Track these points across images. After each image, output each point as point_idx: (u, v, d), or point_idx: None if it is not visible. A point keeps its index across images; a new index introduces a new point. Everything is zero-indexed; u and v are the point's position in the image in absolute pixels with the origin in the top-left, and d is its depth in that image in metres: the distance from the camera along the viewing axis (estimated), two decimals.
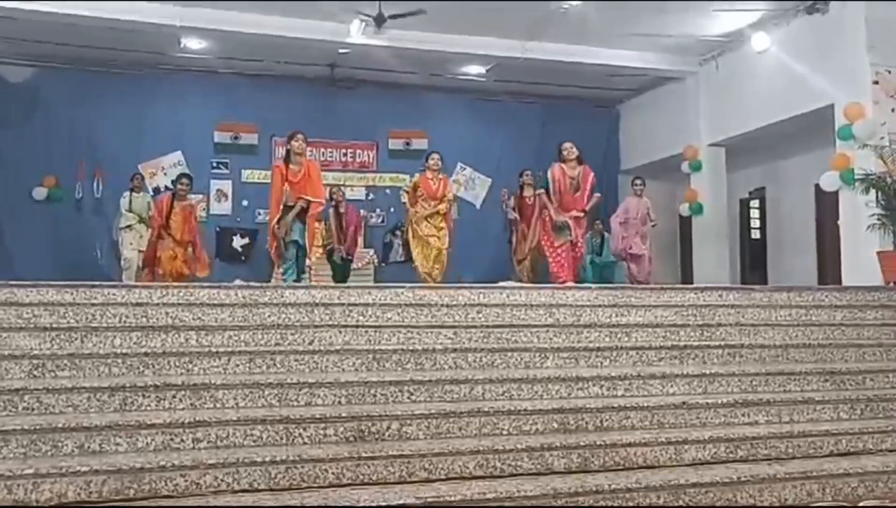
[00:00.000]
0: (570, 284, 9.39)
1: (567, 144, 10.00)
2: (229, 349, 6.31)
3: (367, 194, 14.97)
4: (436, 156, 10.44)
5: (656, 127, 14.86)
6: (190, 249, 10.59)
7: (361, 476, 5.20)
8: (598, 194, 10.30)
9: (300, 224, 9.07)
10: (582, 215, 9.93)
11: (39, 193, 13.24)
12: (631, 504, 5.26)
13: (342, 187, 12.96)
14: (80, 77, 13.60)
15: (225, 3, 11.39)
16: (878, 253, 9.61)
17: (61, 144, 13.39)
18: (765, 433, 6.09)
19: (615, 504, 5.23)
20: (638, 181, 12.49)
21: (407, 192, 10.83)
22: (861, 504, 5.55)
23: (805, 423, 6.41)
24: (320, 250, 13.24)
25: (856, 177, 9.87)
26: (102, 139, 13.62)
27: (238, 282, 9.12)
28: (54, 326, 6.28)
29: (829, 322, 7.93)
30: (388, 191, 15.02)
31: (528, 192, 12.65)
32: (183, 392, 5.69)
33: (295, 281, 8.97)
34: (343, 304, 7.08)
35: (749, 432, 6.10)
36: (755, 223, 14.85)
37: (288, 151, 9.14)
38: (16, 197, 13.15)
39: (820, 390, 6.83)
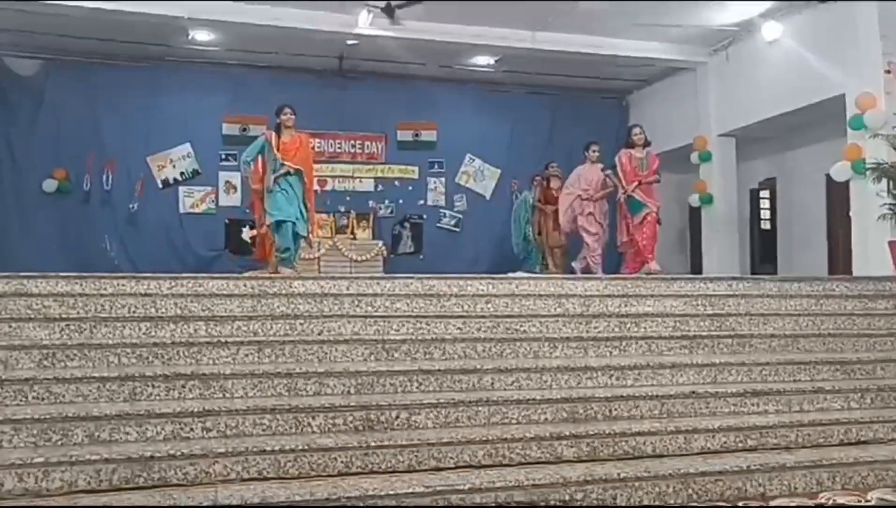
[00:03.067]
0: (655, 265, 10.02)
1: (636, 129, 10.63)
2: (238, 339, 6.32)
3: (376, 186, 14.95)
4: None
5: (666, 117, 14.78)
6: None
7: (370, 465, 5.21)
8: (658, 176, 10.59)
9: (295, 202, 9.17)
10: (649, 182, 10.36)
11: (49, 185, 13.26)
12: (640, 492, 5.26)
13: None
14: (88, 69, 13.60)
15: None
16: (890, 243, 9.56)
17: (70, 136, 13.42)
18: (774, 423, 6.08)
19: (624, 493, 5.22)
20: (595, 146, 11.48)
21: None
22: (871, 494, 5.54)
23: (815, 412, 6.39)
24: (329, 242, 13.30)
25: (867, 166, 9.81)
26: (111, 132, 13.63)
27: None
28: (64, 316, 6.31)
29: (839, 312, 7.91)
30: (396, 183, 15.02)
31: (554, 183, 12.54)
32: (192, 382, 5.70)
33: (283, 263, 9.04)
34: (352, 294, 7.09)
35: (759, 421, 6.09)
36: (765, 214, 14.76)
37: (278, 125, 9.28)
38: (26, 190, 13.20)
39: (830, 379, 6.81)
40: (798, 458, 5.71)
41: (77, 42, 12.89)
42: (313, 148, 10.90)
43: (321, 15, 12.00)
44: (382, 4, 11.23)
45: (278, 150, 9.14)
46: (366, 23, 12.06)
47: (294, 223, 9.14)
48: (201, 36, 12.93)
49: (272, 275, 8.32)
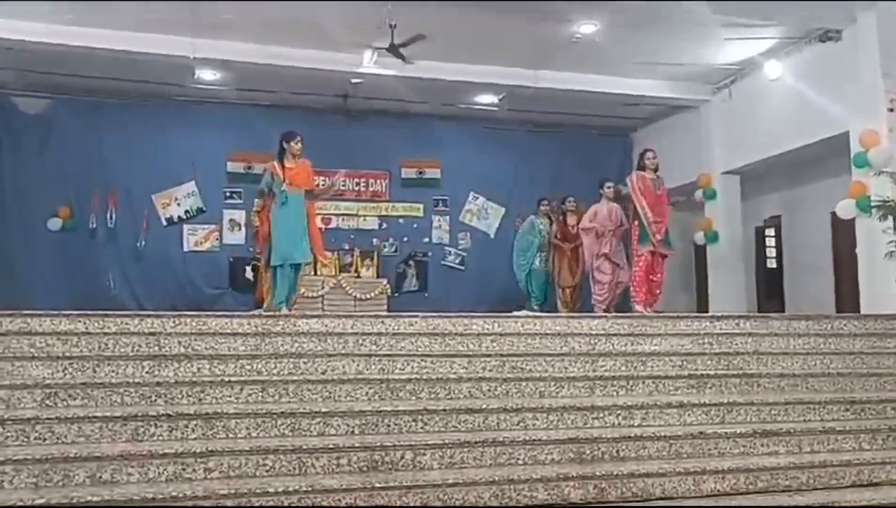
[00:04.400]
0: (646, 310, 9.57)
1: (649, 153, 10.28)
2: (242, 379, 6.26)
3: (380, 224, 14.98)
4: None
5: (670, 155, 14.64)
6: None
7: (375, 506, 5.13)
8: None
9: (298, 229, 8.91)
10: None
11: (54, 223, 13.30)
12: None
13: None
14: (94, 108, 13.72)
15: (238, 34, 11.48)
16: None
17: (75, 174, 13.51)
18: (785, 464, 6.00)
19: None
20: (609, 183, 11.15)
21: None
22: None
23: (826, 453, 6.31)
24: (333, 280, 13.27)
25: (872, 204, 9.78)
26: (116, 170, 13.73)
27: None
28: (67, 355, 6.26)
29: (848, 351, 7.81)
30: (400, 220, 15.06)
31: (571, 220, 12.23)
32: (195, 422, 5.64)
33: (279, 305, 8.82)
34: (356, 333, 7.04)
35: (769, 462, 6.00)
36: (771, 252, 14.74)
37: (283, 150, 8.98)
38: (30, 228, 13.24)
39: (840, 419, 6.74)
40: (809, 500, 5.63)
41: (83, 81, 12.99)
42: (317, 185, 10.82)
43: (325, 54, 12.08)
44: (386, 46, 11.29)
45: (284, 178, 8.84)
46: (370, 62, 12.15)
47: (294, 266, 8.98)
48: (207, 75, 13.03)
49: (276, 314, 8.26)
